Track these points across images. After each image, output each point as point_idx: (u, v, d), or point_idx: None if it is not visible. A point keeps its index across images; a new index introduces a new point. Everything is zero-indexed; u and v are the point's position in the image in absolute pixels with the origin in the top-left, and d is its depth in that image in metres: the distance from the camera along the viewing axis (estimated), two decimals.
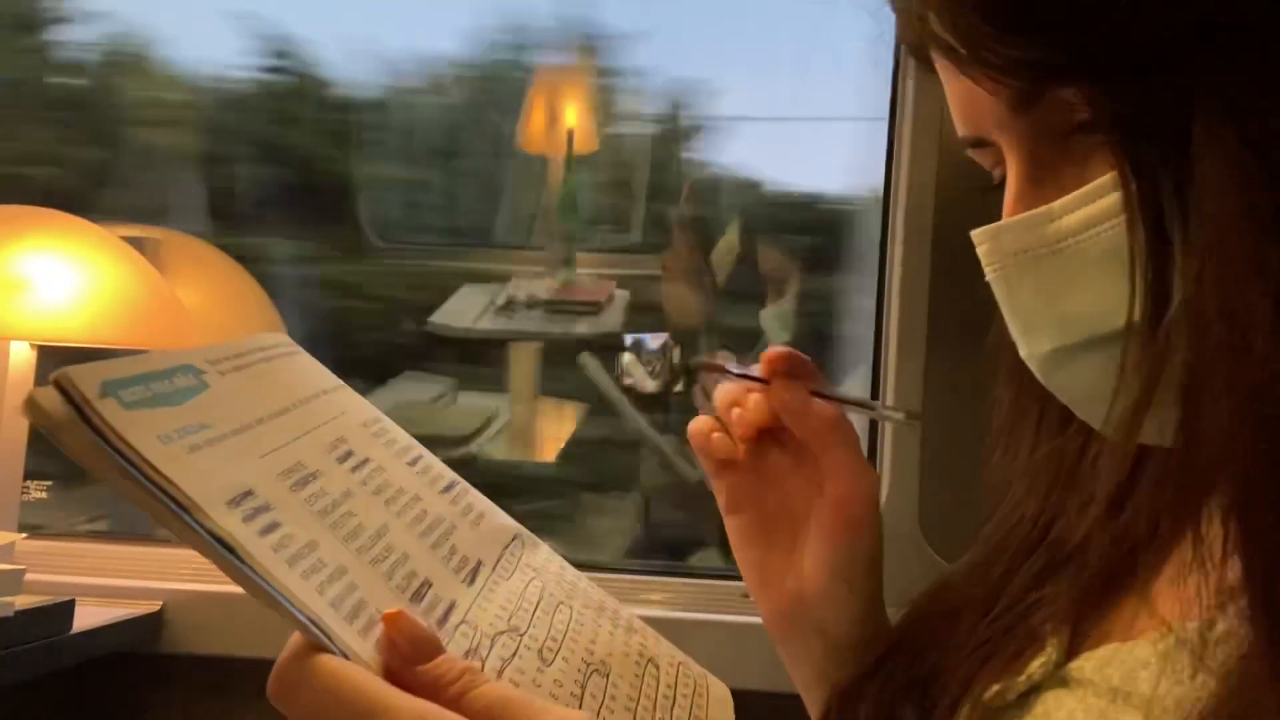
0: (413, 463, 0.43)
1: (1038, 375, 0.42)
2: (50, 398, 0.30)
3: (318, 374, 0.44)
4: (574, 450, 1.61)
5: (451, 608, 0.37)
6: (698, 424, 0.55)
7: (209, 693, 1.00)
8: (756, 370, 0.53)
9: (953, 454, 0.98)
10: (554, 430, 1.66)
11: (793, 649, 0.55)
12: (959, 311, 0.98)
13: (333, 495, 0.37)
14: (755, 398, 0.53)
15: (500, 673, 0.36)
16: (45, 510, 1.11)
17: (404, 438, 0.45)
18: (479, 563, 0.41)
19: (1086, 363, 0.40)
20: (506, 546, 0.44)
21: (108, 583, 1.00)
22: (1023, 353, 0.43)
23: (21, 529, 0.95)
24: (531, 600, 0.41)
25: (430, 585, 0.37)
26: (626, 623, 0.44)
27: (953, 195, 0.99)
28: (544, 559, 0.45)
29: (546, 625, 0.40)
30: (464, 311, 1.60)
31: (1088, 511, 0.45)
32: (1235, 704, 0.33)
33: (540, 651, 0.38)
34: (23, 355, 0.97)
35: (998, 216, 0.43)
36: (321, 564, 0.34)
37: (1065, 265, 0.39)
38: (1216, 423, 0.34)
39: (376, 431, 0.43)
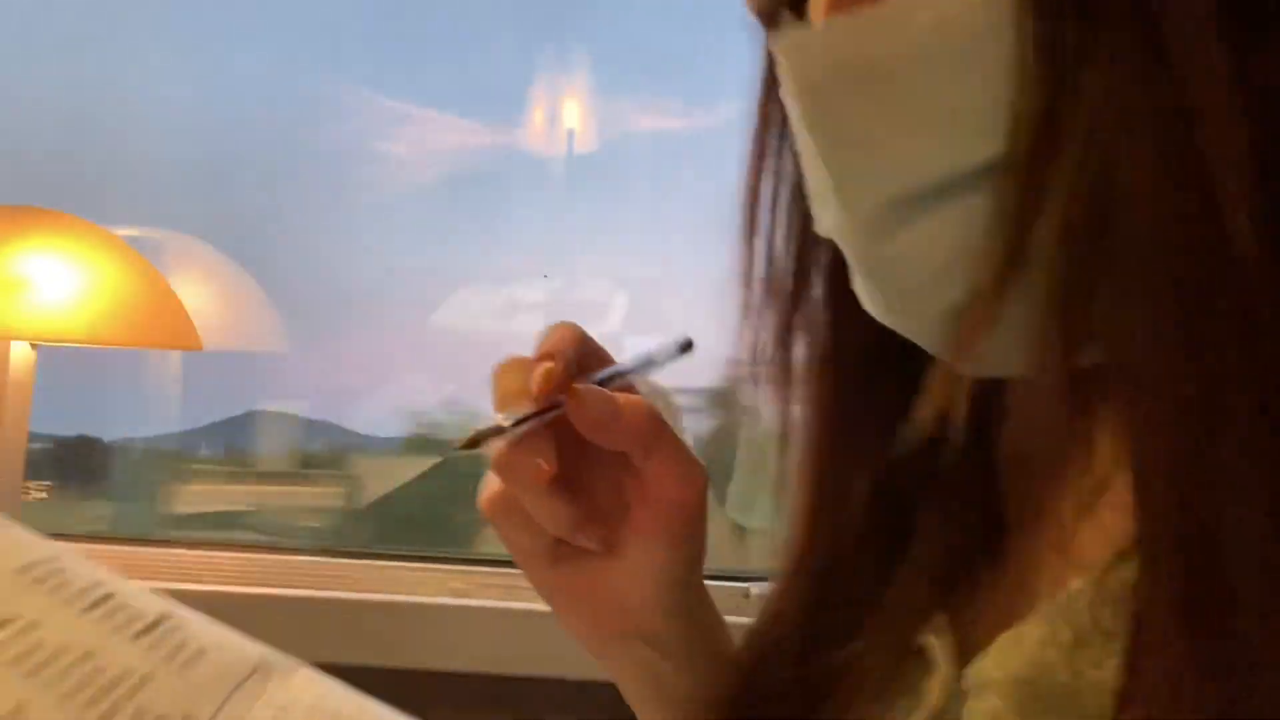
0: (92, 606, 0.35)
1: (850, 257, 0.32)
2: None
3: None
4: None
5: None
6: (491, 502, 0.43)
7: None
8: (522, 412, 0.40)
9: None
10: None
11: (622, 665, 0.47)
12: None
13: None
14: (536, 464, 0.40)
15: None
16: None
17: (85, 577, 0.36)
18: (184, 718, 0.33)
19: (925, 225, 0.29)
20: (238, 686, 0.35)
21: None
22: (827, 224, 0.32)
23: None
24: None
25: None
26: None
27: None
28: (295, 690, 0.36)
29: None
30: None
31: (915, 465, 0.36)
32: (1145, 680, 0.26)
33: None
34: (23, 355, 0.97)
35: None
36: None
37: (907, 78, 0.29)
38: (1130, 317, 0.26)
39: (37, 577, 0.35)
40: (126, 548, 1.04)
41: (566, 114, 1.34)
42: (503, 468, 0.41)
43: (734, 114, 1.35)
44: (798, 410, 0.41)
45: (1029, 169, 0.27)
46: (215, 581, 1.00)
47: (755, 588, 1.03)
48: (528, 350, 0.42)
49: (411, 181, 1.46)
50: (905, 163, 0.29)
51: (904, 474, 0.38)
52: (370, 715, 0.35)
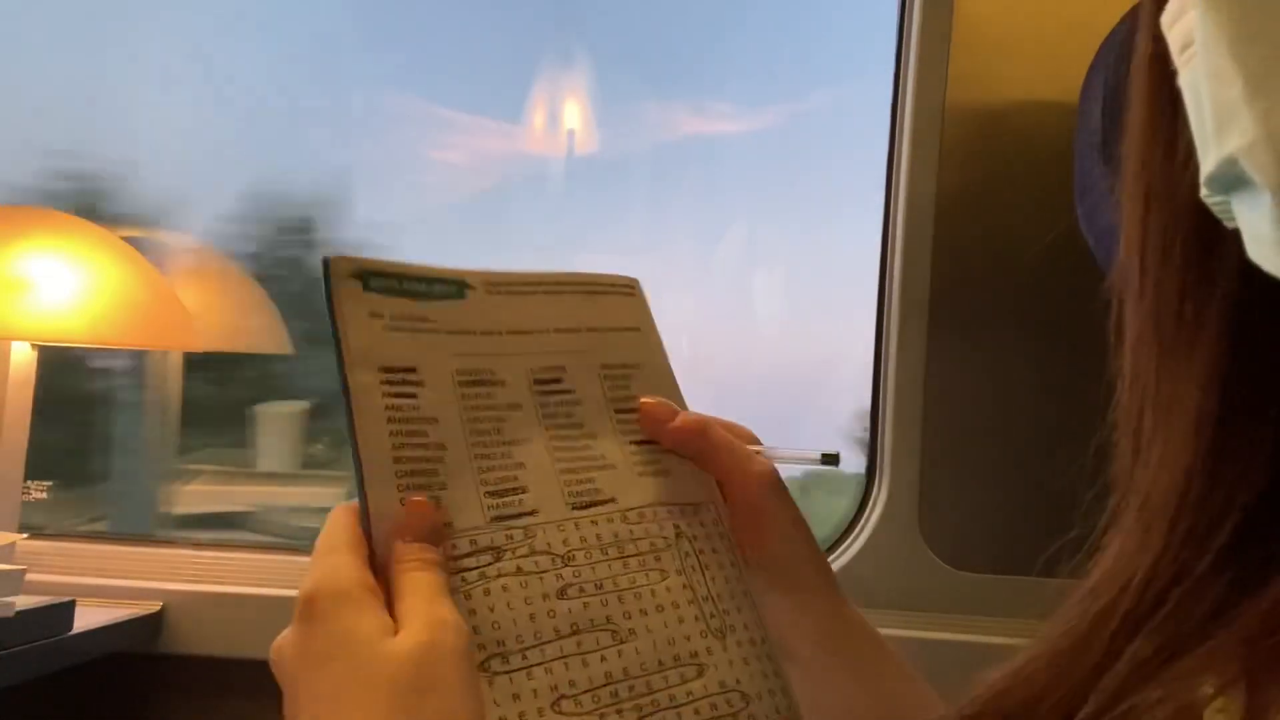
0: (624, 410, 0.47)
1: (1268, 187, 0.23)
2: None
3: (619, 314, 0.50)
4: None
5: (524, 514, 0.42)
6: None
7: (209, 693, 1.00)
8: None
9: (953, 456, 0.98)
10: None
11: None
12: (959, 312, 0.98)
13: (494, 401, 0.44)
14: None
15: (503, 576, 0.39)
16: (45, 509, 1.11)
17: (641, 387, 0.48)
18: (610, 500, 0.44)
19: None
20: (669, 505, 0.45)
21: (108, 583, 1.00)
22: (1233, 145, 0.24)
23: (22, 529, 0.95)
24: (625, 550, 0.43)
25: (522, 491, 0.42)
26: (721, 629, 0.43)
27: (954, 193, 0.99)
28: (704, 534, 0.46)
29: (606, 574, 0.42)
30: None
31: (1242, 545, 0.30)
32: None
33: (566, 586, 0.41)
34: (23, 355, 0.97)
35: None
36: (424, 435, 0.41)
37: None
38: None
39: (607, 375, 0.48)
40: (127, 548, 1.04)
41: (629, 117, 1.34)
42: None
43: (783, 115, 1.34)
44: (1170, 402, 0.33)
45: None
46: (215, 581, 1.00)
47: None
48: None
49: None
50: None
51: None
52: (721, 572, 0.44)
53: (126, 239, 1.02)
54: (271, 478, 1.40)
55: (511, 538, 0.41)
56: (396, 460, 0.40)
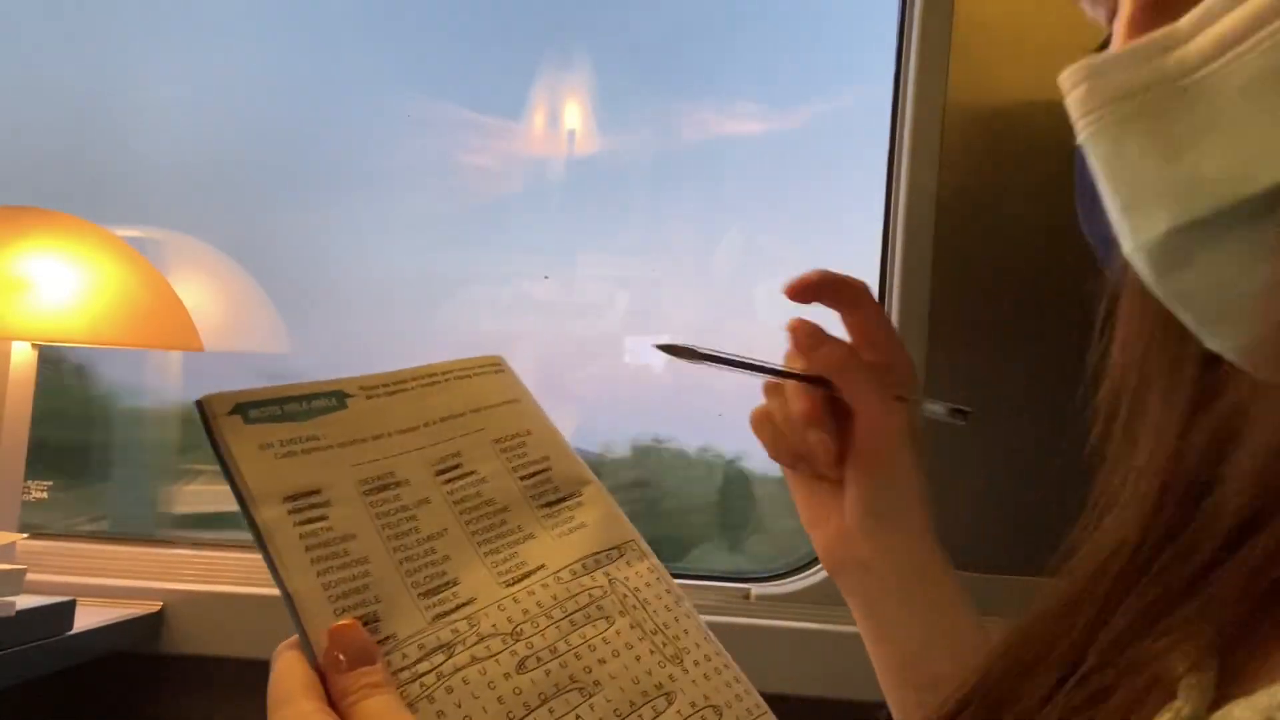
0: (528, 477, 0.48)
1: (1148, 279, 0.30)
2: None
3: (494, 391, 0.51)
4: None
5: (462, 605, 0.41)
6: (756, 415, 0.57)
7: (209, 693, 1.00)
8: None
9: (953, 455, 0.98)
10: None
11: (843, 583, 0.57)
12: (959, 311, 0.98)
13: (403, 501, 0.43)
14: (795, 399, 0.55)
15: (460, 669, 0.39)
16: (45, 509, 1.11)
17: (536, 451, 0.49)
18: (540, 567, 0.45)
19: (1219, 248, 0.28)
20: (595, 555, 0.47)
21: (108, 583, 1.00)
22: (1127, 247, 0.31)
23: (22, 529, 0.95)
24: (567, 610, 0.44)
25: (454, 584, 0.42)
26: (676, 654, 0.45)
27: (954, 194, 0.99)
28: (634, 573, 0.47)
29: (557, 637, 0.42)
30: None
31: (1226, 506, 0.32)
32: None
33: (523, 660, 0.41)
34: (24, 355, 0.97)
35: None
36: (345, 554, 0.40)
37: (1194, 105, 0.28)
38: None
39: (503, 448, 0.48)
40: (127, 548, 1.04)
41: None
42: (770, 392, 0.56)
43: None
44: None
45: None
46: (215, 581, 1.00)
47: (756, 589, 1.03)
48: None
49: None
50: (1185, 193, 0.28)
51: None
52: (674, 613, 0.46)
53: (127, 239, 1.02)
54: None
55: (457, 631, 0.41)
56: (325, 587, 0.39)
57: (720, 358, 0.54)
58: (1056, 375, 0.94)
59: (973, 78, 1.00)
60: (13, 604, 0.81)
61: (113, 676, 0.99)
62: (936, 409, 0.56)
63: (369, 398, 0.46)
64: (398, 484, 0.44)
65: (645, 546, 0.49)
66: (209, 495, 1.32)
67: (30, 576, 0.84)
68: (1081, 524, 0.37)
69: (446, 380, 0.49)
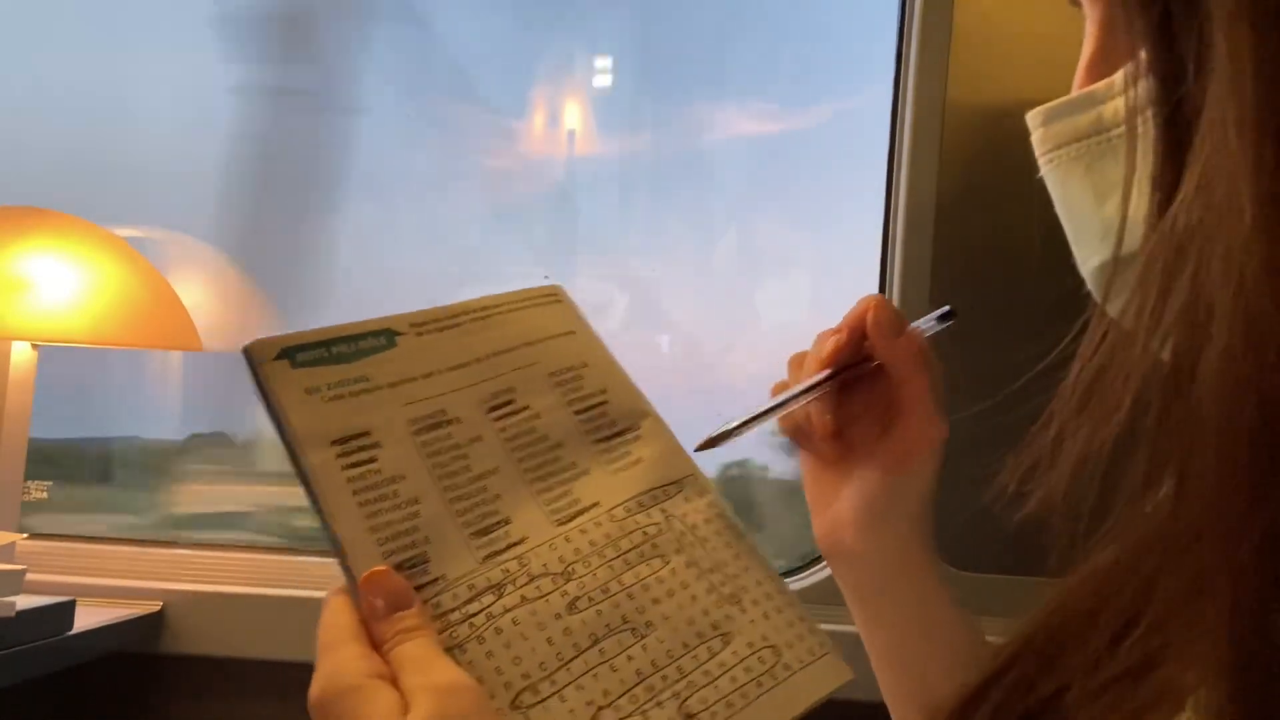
0: (583, 411, 0.47)
1: (1099, 300, 0.35)
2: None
3: (550, 323, 0.49)
4: None
5: (513, 545, 0.41)
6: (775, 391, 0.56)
7: (209, 693, 1.00)
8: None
9: (953, 455, 0.97)
10: None
11: (833, 567, 0.57)
12: (961, 306, 0.98)
13: (454, 440, 0.43)
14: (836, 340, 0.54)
15: (510, 610, 0.39)
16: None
17: (593, 384, 0.48)
18: (594, 504, 0.44)
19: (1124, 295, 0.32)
20: (651, 491, 0.46)
21: (108, 583, 1.00)
22: (1080, 269, 0.36)
23: (22, 529, 0.95)
24: (620, 548, 0.43)
25: (505, 523, 0.42)
26: (734, 593, 0.43)
27: (954, 194, 0.99)
28: (692, 509, 0.46)
29: (609, 576, 0.41)
30: None
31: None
32: None
33: (574, 600, 0.40)
34: (24, 355, 0.97)
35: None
36: (395, 496, 0.40)
37: (1117, 156, 0.32)
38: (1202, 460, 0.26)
39: (558, 381, 0.47)
40: (127, 548, 1.04)
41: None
42: (793, 365, 0.56)
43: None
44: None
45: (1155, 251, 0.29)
46: (215, 581, 1.00)
47: None
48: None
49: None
50: (1105, 234, 0.32)
51: None
52: (731, 550, 0.45)
53: (127, 239, 1.02)
54: (271, 478, 1.40)
55: (508, 571, 0.40)
56: (373, 530, 0.39)
57: (763, 412, 0.53)
58: (1057, 373, 0.94)
59: (973, 78, 1.00)
60: (13, 604, 0.81)
61: (113, 676, 0.99)
62: (926, 323, 0.55)
63: (419, 335, 0.45)
64: (449, 422, 0.43)
65: (706, 481, 0.48)
66: (209, 495, 1.32)
67: (30, 576, 0.84)
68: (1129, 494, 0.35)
69: (501, 313, 0.48)
